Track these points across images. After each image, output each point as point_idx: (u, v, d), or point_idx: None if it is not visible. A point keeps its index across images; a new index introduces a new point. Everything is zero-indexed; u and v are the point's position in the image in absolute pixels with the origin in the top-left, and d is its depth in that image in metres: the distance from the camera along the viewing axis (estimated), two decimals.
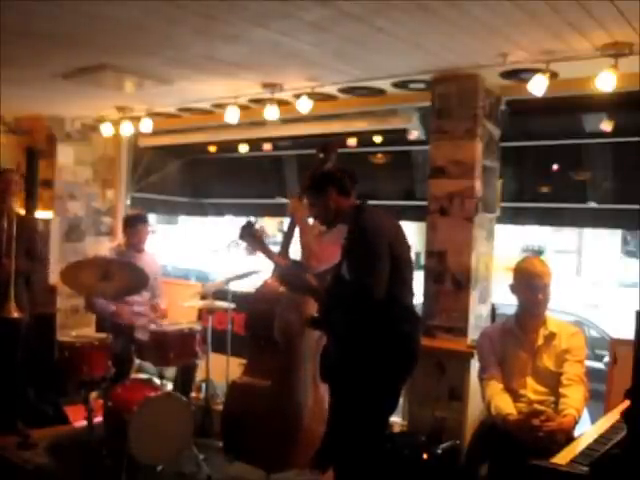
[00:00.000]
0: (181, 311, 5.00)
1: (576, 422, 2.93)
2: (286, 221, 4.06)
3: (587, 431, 2.68)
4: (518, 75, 3.81)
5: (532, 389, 3.13)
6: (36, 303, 4.65)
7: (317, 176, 3.22)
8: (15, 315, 4.22)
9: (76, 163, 6.25)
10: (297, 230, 3.60)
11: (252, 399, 3.59)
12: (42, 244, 4.95)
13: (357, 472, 2.92)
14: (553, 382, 3.11)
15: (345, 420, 2.94)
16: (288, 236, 3.70)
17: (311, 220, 3.55)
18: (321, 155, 3.51)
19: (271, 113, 4.56)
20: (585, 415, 4.25)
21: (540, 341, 3.15)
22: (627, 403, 2.18)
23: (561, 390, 3.05)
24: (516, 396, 3.12)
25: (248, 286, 5.46)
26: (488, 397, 3.17)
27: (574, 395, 2.99)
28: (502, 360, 3.22)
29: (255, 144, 6.48)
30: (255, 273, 4.98)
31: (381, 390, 2.94)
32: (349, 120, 5.26)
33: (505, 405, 3.07)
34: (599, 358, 5.62)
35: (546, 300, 3.18)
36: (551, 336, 3.14)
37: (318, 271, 3.32)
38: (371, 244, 2.89)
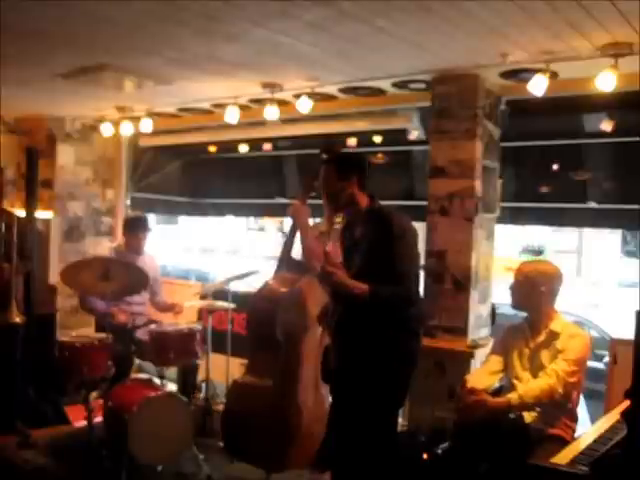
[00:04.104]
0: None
1: (511, 406, 2.90)
2: (287, 221, 4.06)
3: (587, 431, 2.68)
4: (518, 75, 3.81)
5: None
6: (36, 303, 4.64)
7: (346, 156, 3.18)
8: (17, 320, 4.22)
9: (76, 163, 6.26)
10: (299, 232, 3.60)
11: (253, 399, 3.59)
12: (34, 242, 4.92)
13: (363, 473, 2.94)
14: None
15: (362, 420, 2.93)
16: (290, 238, 3.70)
17: (312, 222, 3.55)
18: (324, 156, 3.51)
19: (271, 113, 4.56)
20: (585, 415, 4.26)
21: (541, 338, 3.15)
22: (627, 403, 2.18)
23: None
24: (513, 389, 3.13)
25: (248, 286, 5.46)
26: None
27: (531, 384, 2.99)
28: (507, 353, 3.24)
29: (255, 144, 6.48)
30: (255, 273, 4.99)
31: (397, 387, 2.99)
32: (349, 120, 5.26)
33: (471, 377, 3.15)
34: (599, 358, 5.61)
35: (528, 300, 3.19)
36: (553, 335, 3.13)
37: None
38: (410, 246, 2.93)
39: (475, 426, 2.90)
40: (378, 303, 2.84)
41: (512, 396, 2.92)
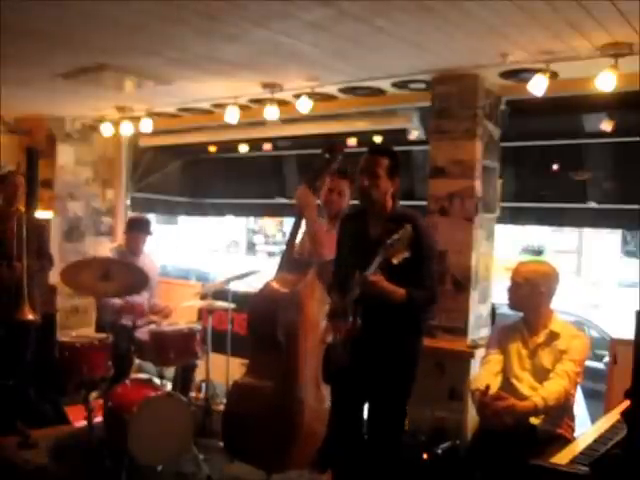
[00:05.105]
0: (181, 311, 5.01)
1: (537, 410, 2.91)
2: (286, 221, 4.06)
3: (587, 431, 2.68)
4: (518, 75, 3.81)
5: (529, 385, 3.12)
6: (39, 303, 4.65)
7: (397, 154, 3.06)
8: (30, 317, 4.20)
9: (76, 163, 6.26)
10: (304, 221, 3.59)
11: (254, 399, 3.58)
12: (49, 242, 5.00)
13: (364, 473, 2.96)
14: None
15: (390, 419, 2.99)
16: (294, 228, 3.69)
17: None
18: (327, 155, 3.50)
19: (271, 113, 4.56)
20: (585, 415, 4.25)
21: (541, 339, 3.15)
22: (627, 403, 2.18)
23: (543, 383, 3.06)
24: (512, 390, 3.13)
25: (248, 286, 5.46)
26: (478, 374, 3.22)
27: (549, 387, 2.97)
28: (504, 354, 3.23)
29: (255, 144, 6.49)
30: (255, 273, 4.98)
31: (409, 387, 3.04)
32: (349, 120, 5.26)
33: (482, 380, 3.09)
34: (599, 358, 5.62)
35: (524, 299, 3.19)
36: (553, 336, 3.13)
37: (324, 260, 3.34)
38: (435, 250, 3.01)
39: (504, 431, 2.88)
40: (411, 306, 2.88)
41: (537, 400, 2.90)
